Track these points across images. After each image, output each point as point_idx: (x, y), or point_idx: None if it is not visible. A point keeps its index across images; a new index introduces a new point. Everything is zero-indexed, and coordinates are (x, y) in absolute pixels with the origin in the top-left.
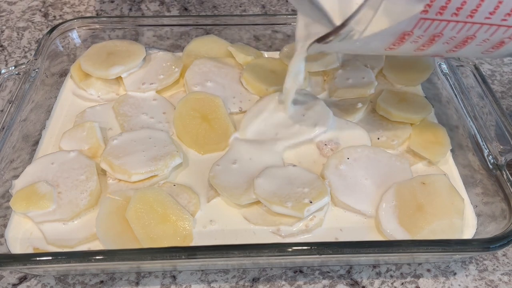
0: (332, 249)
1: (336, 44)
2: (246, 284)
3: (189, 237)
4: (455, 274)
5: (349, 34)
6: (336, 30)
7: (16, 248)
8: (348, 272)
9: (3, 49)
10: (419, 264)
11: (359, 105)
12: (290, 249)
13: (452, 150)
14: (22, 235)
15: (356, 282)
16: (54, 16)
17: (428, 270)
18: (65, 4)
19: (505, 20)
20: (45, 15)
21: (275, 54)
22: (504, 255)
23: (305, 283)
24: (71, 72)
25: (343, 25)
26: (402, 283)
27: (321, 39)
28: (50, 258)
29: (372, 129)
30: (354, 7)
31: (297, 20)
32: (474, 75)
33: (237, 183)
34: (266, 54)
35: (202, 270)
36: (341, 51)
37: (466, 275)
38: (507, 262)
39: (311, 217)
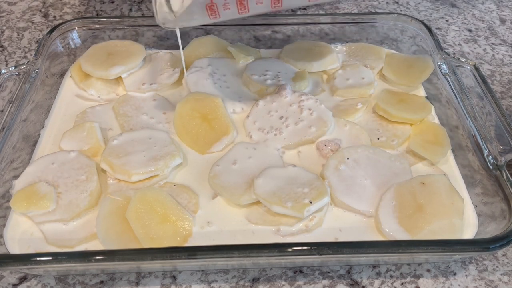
0: (332, 249)
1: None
2: (246, 284)
3: (189, 237)
4: (455, 274)
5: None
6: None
7: (15, 248)
8: (348, 272)
9: (3, 50)
10: (419, 264)
11: (359, 105)
12: (290, 249)
13: (452, 150)
14: (21, 235)
15: (356, 282)
16: (54, 17)
17: (428, 270)
18: (65, 5)
19: None
20: (45, 16)
21: (275, 54)
22: (504, 255)
23: (305, 283)
24: (71, 72)
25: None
26: (402, 283)
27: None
28: (50, 258)
29: (372, 129)
30: None
31: None
32: (474, 75)
33: (237, 183)
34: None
35: (202, 270)
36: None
37: (466, 275)
38: (507, 262)
39: (311, 217)
